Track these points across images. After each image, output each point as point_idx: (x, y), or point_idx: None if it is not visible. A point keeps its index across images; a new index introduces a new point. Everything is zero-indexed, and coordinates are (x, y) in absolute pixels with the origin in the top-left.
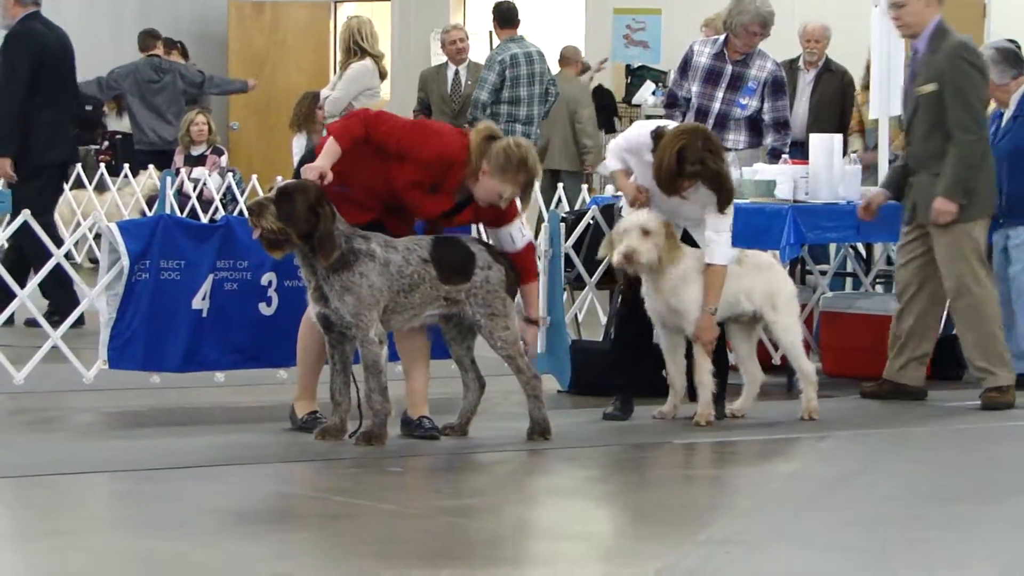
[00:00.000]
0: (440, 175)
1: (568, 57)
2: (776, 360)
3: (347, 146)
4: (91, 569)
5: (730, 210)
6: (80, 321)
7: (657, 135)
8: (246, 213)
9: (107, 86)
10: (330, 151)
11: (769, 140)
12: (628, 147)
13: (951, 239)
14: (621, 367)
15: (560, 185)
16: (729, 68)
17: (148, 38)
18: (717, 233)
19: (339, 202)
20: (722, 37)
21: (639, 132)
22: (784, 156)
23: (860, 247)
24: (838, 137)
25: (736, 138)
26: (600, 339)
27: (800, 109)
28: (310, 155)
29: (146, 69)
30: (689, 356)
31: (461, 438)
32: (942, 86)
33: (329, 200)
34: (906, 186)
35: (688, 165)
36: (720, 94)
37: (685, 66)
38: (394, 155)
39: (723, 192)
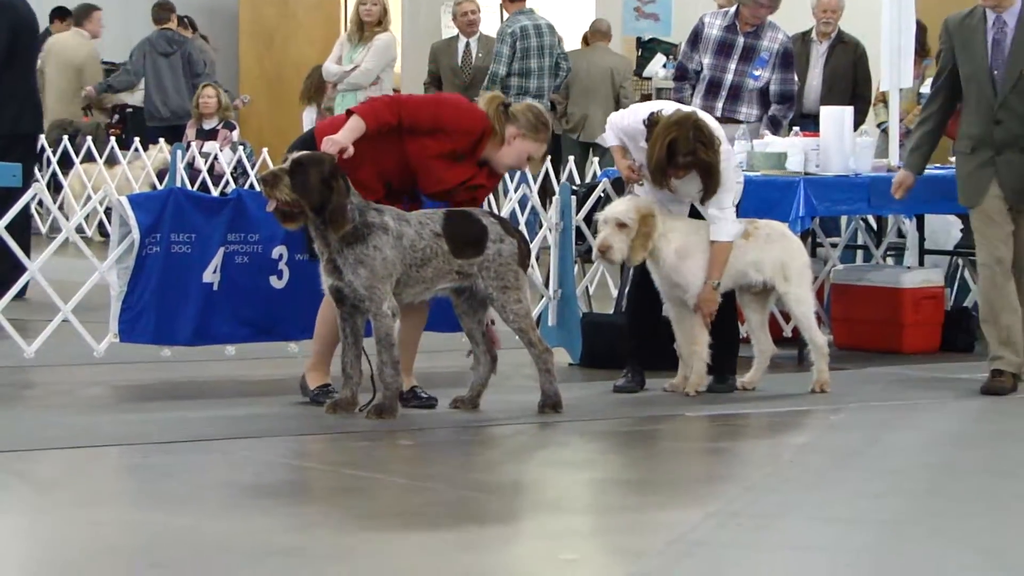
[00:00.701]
0: (473, 144)
1: (602, 30)
2: (787, 332)
3: (373, 129)
4: (101, 542)
5: (730, 187)
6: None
7: (651, 123)
8: (257, 186)
9: (135, 72)
10: (355, 127)
11: (772, 109)
12: (625, 130)
13: None
14: (633, 339)
15: (571, 158)
16: (741, 40)
17: (162, 10)
18: (720, 210)
19: None
20: (733, 9)
21: (634, 118)
22: (795, 129)
23: (871, 219)
24: (849, 109)
25: (748, 111)
26: (611, 312)
27: (813, 81)
28: (310, 136)
29: (160, 41)
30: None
31: (472, 411)
32: None
33: (343, 173)
34: (974, 164)
35: (680, 157)
36: (733, 66)
37: (695, 38)
38: (425, 131)
39: (711, 182)
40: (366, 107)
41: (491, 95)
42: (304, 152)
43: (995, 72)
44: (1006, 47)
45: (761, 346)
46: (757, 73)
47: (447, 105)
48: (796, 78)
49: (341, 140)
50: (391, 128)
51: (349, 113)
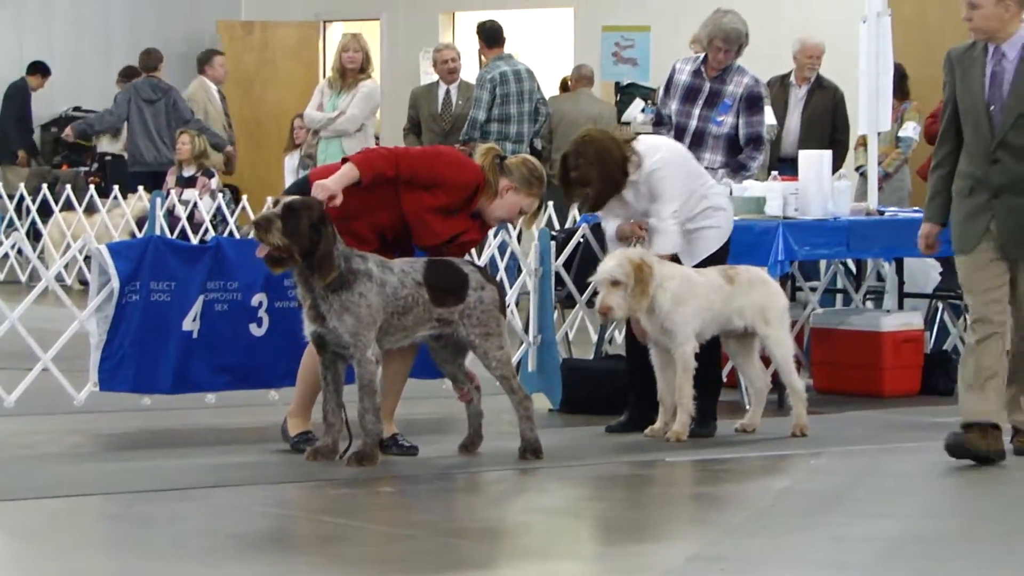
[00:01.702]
0: (468, 198)
1: (586, 76)
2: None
3: (367, 180)
4: None
5: (670, 198)
6: None
7: None
8: (236, 233)
9: (117, 115)
10: (347, 175)
11: (742, 153)
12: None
13: None
14: (634, 380)
15: (551, 203)
16: (707, 85)
17: (150, 58)
18: (660, 220)
19: (339, 233)
20: (703, 55)
21: None
22: (773, 173)
23: (850, 263)
24: (827, 153)
25: (712, 157)
26: (591, 357)
27: (792, 124)
28: (304, 182)
29: (145, 88)
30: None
31: (478, 444)
32: None
33: (331, 220)
34: (971, 207)
35: (570, 172)
36: (697, 111)
37: (669, 84)
38: (422, 184)
39: (589, 194)
40: (362, 157)
41: (487, 147)
42: (294, 196)
43: (991, 107)
44: (1005, 81)
45: (756, 384)
46: (720, 119)
47: (445, 159)
48: (765, 119)
49: (331, 187)
50: (386, 180)
51: (345, 162)
